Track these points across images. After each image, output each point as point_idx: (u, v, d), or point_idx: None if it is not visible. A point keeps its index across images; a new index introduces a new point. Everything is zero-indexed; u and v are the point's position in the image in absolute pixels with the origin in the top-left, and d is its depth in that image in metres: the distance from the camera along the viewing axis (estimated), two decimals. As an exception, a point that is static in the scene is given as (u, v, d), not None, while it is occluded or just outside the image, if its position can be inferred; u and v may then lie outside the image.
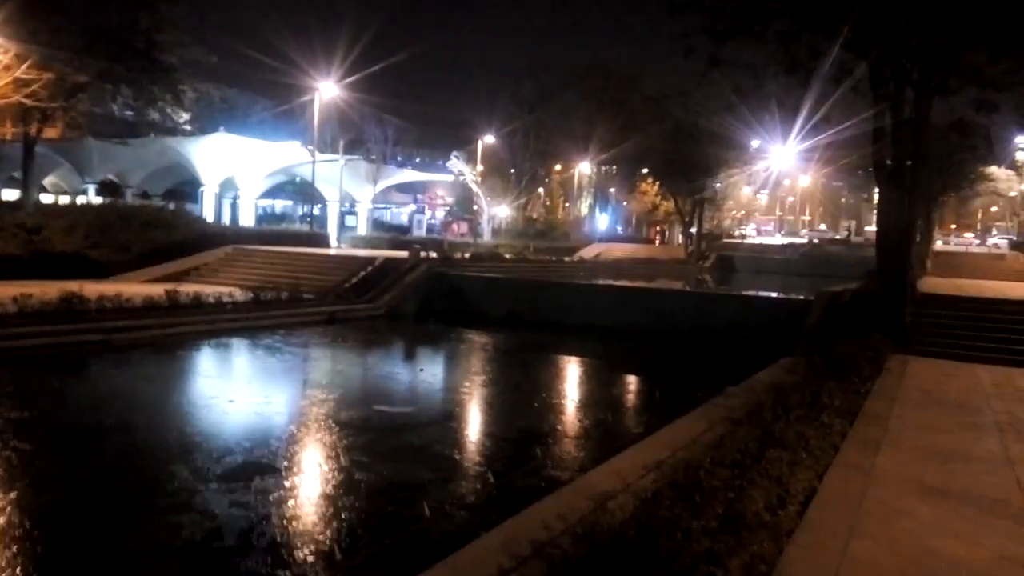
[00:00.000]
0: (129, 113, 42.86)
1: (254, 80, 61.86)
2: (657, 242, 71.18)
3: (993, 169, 49.87)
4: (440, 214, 69.49)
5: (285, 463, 8.86)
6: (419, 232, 59.88)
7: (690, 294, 30.23)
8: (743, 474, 5.96)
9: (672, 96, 48.54)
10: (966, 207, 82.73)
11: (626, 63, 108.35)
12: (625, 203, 77.22)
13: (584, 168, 68.13)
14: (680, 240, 64.25)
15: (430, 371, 17.07)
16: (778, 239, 79.41)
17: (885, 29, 15.08)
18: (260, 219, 51.70)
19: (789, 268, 52.26)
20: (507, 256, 39.14)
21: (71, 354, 14.69)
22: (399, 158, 66.03)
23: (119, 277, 24.38)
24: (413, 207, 70.30)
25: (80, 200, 44.87)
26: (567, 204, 73.61)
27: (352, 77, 42.88)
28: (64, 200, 48.47)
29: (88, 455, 9.06)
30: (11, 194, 39.52)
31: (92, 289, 17.50)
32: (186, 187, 51.94)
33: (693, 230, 57.69)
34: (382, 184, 56.48)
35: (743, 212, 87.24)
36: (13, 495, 7.48)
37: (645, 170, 63.94)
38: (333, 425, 10.64)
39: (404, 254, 27.92)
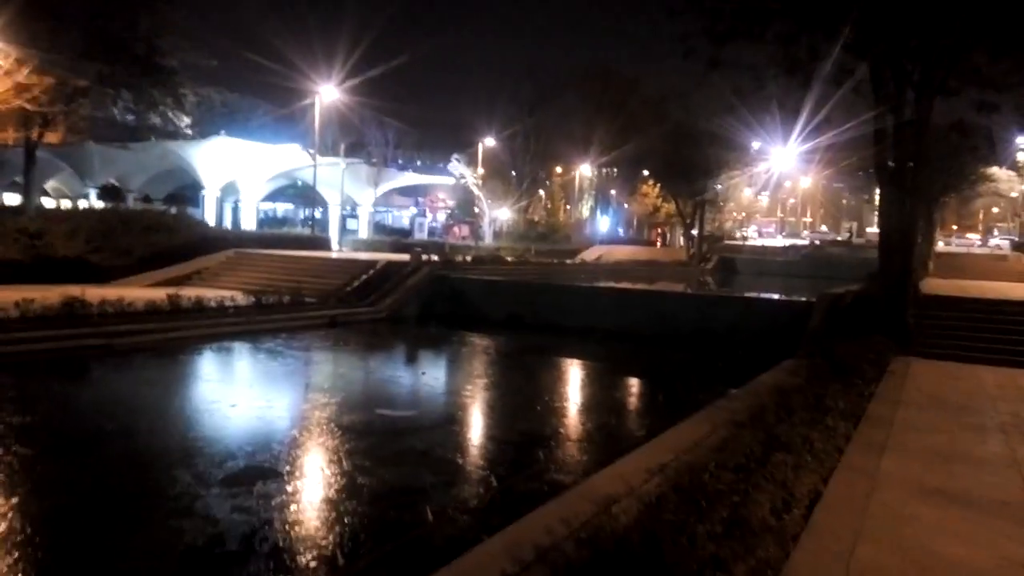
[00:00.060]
0: (130, 117, 42.91)
1: (255, 84, 62.11)
2: (658, 244, 71.21)
3: (994, 170, 49.80)
4: (441, 217, 69.56)
5: (287, 467, 8.84)
6: (420, 235, 59.89)
7: (692, 296, 30.20)
8: (748, 478, 5.94)
9: (672, 98, 48.76)
10: (967, 208, 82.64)
11: (626, 65, 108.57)
12: (626, 205, 77.25)
13: (585, 170, 68.20)
14: (681, 242, 64.27)
15: (432, 374, 17.04)
16: (779, 241, 79.36)
17: (885, 30, 15.06)
18: (261, 223, 51.75)
19: (790, 270, 52.23)
20: (508, 259, 39.13)
21: (73, 359, 14.68)
22: (400, 161, 66.01)
23: (121, 281, 24.37)
24: (414, 210, 70.39)
25: (81, 204, 44.95)
26: (568, 207, 73.68)
27: (353, 80, 42.99)
28: (66, 205, 48.55)
29: (90, 460, 9.03)
30: (13, 199, 39.58)
31: (94, 293, 17.49)
32: (187, 191, 52.02)
33: (694, 232, 57.70)
34: (383, 187, 56.54)
35: (744, 214, 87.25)
36: (15, 500, 7.46)
37: (646, 172, 64.04)
38: (335, 429, 10.61)
39: (405, 257, 27.91)
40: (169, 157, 45.91)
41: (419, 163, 71.57)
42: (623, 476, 6.83)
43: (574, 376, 18.03)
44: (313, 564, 6.29)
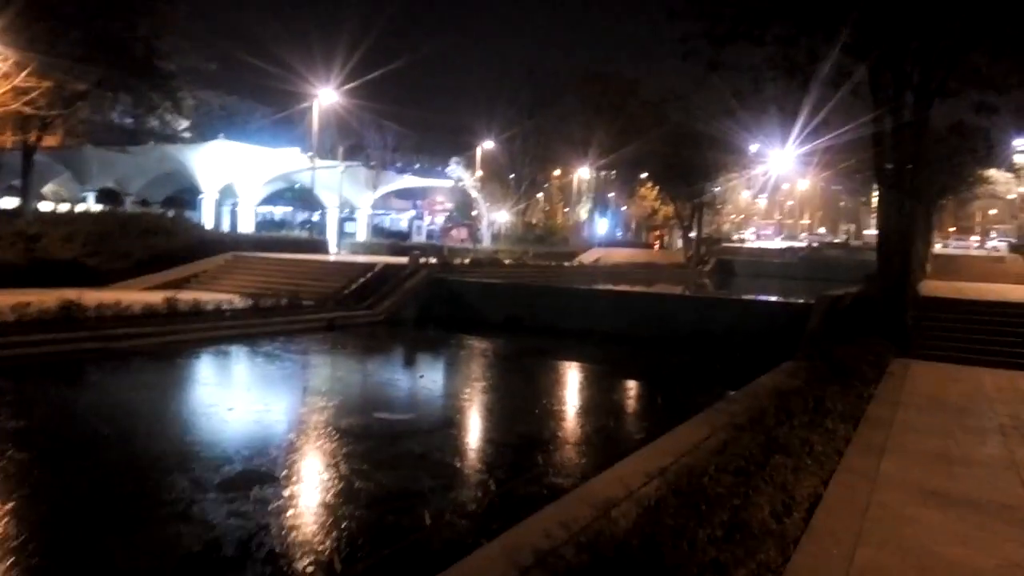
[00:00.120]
0: (128, 121, 42.88)
1: (254, 87, 61.78)
2: (656, 247, 71.16)
3: (992, 172, 49.87)
4: (440, 220, 69.53)
5: (284, 472, 8.79)
6: (419, 238, 59.89)
7: (690, 298, 30.21)
8: (747, 481, 5.90)
9: (671, 100, 48.74)
10: (965, 210, 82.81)
11: (625, 66, 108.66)
12: (624, 208, 77.26)
13: (583, 173, 68.20)
14: (679, 245, 64.26)
15: (430, 377, 17.00)
16: (777, 243, 79.44)
17: (885, 32, 15.06)
18: (259, 226, 51.70)
19: (788, 272, 52.27)
20: (506, 261, 39.13)
21: (70, 362, 14.62)
22: (398, 164, 66.00)
23: (118, 285, 24.31)
24: (413, 213, 70.38)
25: (79, 208, 44.83)
26: (566, 209, 73.68)
27: (352, 83, 43.00)
28: (63, 208, 48.44)
29: (86, 464, 8.97)
30: (10, 202, 39.47)
31: (91, 297, 17.44)
32: (185, 194, 51.90)
33: (692, 234, 57.71)
34: (381, 190, 56.51)
35: (742, 216, 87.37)
36: (11, 505, 7.41)
37: (644, 175, 64.01)
38: (333, 433, 10.57)
39: (404, 260, 27.87)
40: (167, 160, 45.85)
41: (418, 166, 71.60)
42: (622, 479, 6.80)
43: (572, 379, 17.99)
44: (310, 569, 6.25)
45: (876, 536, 5.65)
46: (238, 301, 20.43)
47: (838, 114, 20.28)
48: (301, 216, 58.86)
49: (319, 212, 53.28)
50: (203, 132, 51.45)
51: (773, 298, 29.34)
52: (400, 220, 70.91)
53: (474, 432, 11.91)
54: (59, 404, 12.29)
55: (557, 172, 69.72)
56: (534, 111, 61.18)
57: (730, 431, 8.18)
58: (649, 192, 67.02)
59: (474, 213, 62.04)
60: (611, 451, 9.46)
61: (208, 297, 20.30)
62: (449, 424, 11.90)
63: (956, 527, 6.04)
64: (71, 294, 16.99)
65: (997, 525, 6.14)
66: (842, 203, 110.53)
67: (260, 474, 8.57)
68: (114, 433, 10.35)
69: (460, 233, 63.15)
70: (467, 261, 34.41)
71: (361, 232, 54.56)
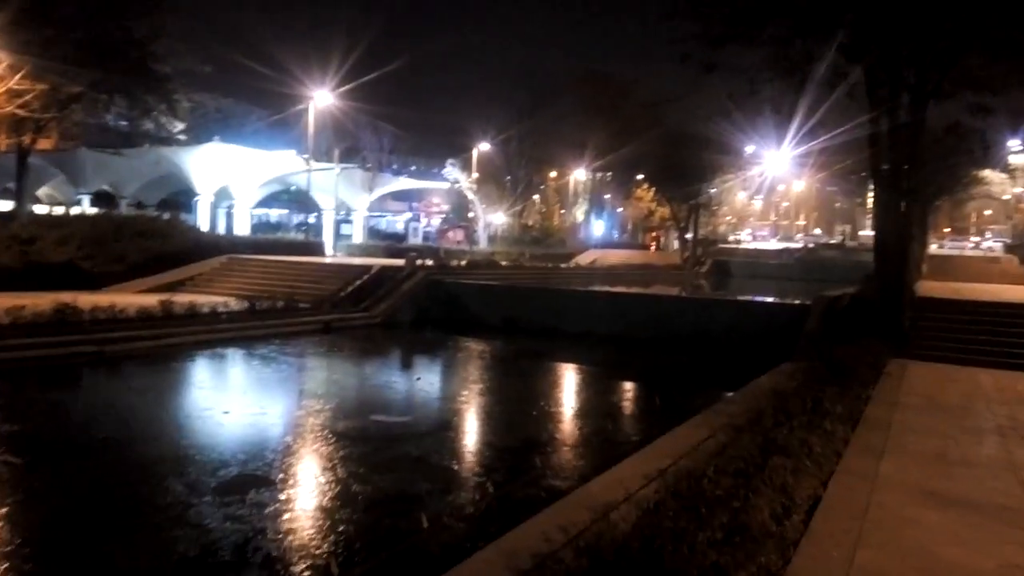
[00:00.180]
0: (123, 123, 42.81)
1: (249, 89, 61.70)
2: (653, 248, 71.20)
3: (987, 172, 50.04)
4: (436, 222, 69.45)
5: (281, 475, 8.74)
6: (415, 240, 59.82)
7: (687, 300, 30.20)
8: (747, 483, 5.87)
9: (667, 102, 48.81)
10: (959, 211, 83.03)
11: (621, 68, 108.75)
12: (620, 209, 77.30)
13: (579, 175, 68.23)
14: (676, 246, 64.30)
15: (427, 380, 16.95)
16: (773, 244, 79.58)
17: (881, 34, 15.08)
18: (255, 228, 51.61)
19: (784, 273, 52.36)
20: (503, 263, 39.10)
21: (64, 366, 14.55)
22: (395, 166, 66.02)
23: (113, 288, 24.22)
24: (409, 215, 70.28)
25: (74, 211, 44.70)
26: (563, 211, 73.69)
27: (347, 86, 42.89)
28: (58, 211, 48.30)
29: (81, 468, 8.92)
30: (5, 205, 39.35)
31: (86, 300, 17.36)
32: (181, 197, 51.81)
33: (689, 236, 57.76)
34: (378, 192, 56.44)
35: (738, 218, 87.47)
36: (4, 510, 7.35)
37: (640, 176, 64.07)
38: (329, 436, 10.52)
39: (400, 262, 27.83)
40: (162, 163, 45.73)
41: (414, 168, 71.61)
42: (621, 482, 6.77)
43: (570, 380, 17.96)
44: (307, 574, 6.21)
45: (876, 538, 5.63)
46: (234, 304, 20.35)
47: (833, 115, 20.31)
48: (297, 218, 58.77)
49: (315, 214, 53.19)
50: (198, 134, 51.31)
51: (770, 299, 29.40)
52: (396, 222, 70.85)
53: (471, 435, 11.87)
54: (54, 408, 12.21)
55: (553, 174, 69.72)
56: (530, 112, 61.18)
57: (729, 433, 8.16)
58: (645, 193, 67.07)
59: (470, 215, 62.00)
60: (609, 453, 9.43)
61: (204, 300, 20.22)
62: (446, 427, 11.85)
63: (955, 528, 6.02)
64: (66, 297, 16.91)
65: (996, 526, 6.13)
66: (838, 204, 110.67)
67: (256, 478, 8.53)
68: (109, 437, 10.29)
69: (456, 235, 63.09)
70: (464, 263, 34.36)
71: (357, 234, 54.47)
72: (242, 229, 47.64)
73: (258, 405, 13.09)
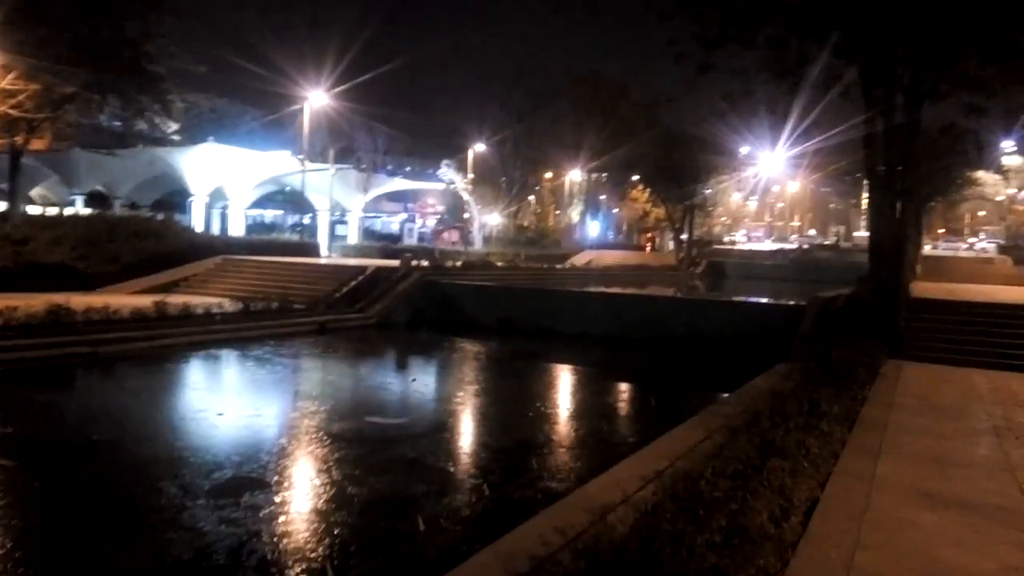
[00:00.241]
0: (117, 124, 42.53)
1: (243, 89, 61.53)
2: (648, 249, 71.26)
3: (981, 174, 50.23)
4: (431, 223, 69.39)
5: (276, 478, 8.69)
6: (410, 241, 59.75)
7: (682, 300, 30.23)
8: (745, 484, 5.85)
9: (662, 103, 48.86)
10: (953, 212, 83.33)
11: (616, 68, 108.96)
12: (616, 210, 77.36)
13: (575, 175, 68.25)
14: (671, 247, 64.38)
15: (422, 381, 16.90)
16: (768, 245, 79.76)
17: (876, 35, 15.10)
18: (250, 229, 51.42)
19: (779, 274, 52.48)
20: (498, 264, 39.07)
21: (57, 367, 14.45)
22: (390, 167, 65.82)
23: (107, 289, 24.10)
24: (404, 216, 70.22)
25: (68, 211, 44.49)
26: (558, 212, 73.69)
27: (343, 86, 42.81)
28: (51, 211, 48.06)
29: (74, 471, 8.85)
30: (-2, 206, 39.11)
31: (79, 301, 17.27)
32: (175, 197, 51.64)
33: (684, 237, 57.85)
34: (373, 193, 56.34)
35: (733, 218, 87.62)
36: (-5, 514, 7.29)
37: (635, 177, 64.14)
38: (324, 437, 10.47)
39: (395, 263, 27.76)
40: (157, 163, 45.55)
41: (409, 169, 71.48)
42: (618, 483, 6.74)
43: (565, 381, 17.94)
44: (302, 577, 6.16)
45: (874, 539, 5.61)
46: (228, 305, 20.27)
47: (828, 116, 20.33)
48: (292, 219, 58.63)
49: (310, 215, 53.07)
50: (193, 135, 51.19)
51: (765, 300, 29.40)
52: (391, 223, 70.76)
53: (467, 436, 11.83)
54: (47, 409, 12.12)
55: (549, 174, 69.70)
56: (525, 114, 61.17)
57: (725, 434, 8.15)
58: (640, 194, 67.14)
59: (466, 216, 61.95)
60: (605, 455, 9.41)
61: (198, 301, 20.13)
62: (442, 428, 11.81)
63: (953, 530, 6.01)
64: (59, 298, 16.81)
65: (994, 528, 6.12)
66: (832, 205, 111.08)
67: (251, 480, 8.47)
68: (103, 439, 10.22)
69: (452, 236, 63.03)
70: (459, 264, 34.33)
71: (352, 235, 54.36)
72: (237, 230, 47.47)
73: (253, 407, 13.03)
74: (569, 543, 5.10)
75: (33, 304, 16.14)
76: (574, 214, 72.59)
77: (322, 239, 47.50)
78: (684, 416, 10.19)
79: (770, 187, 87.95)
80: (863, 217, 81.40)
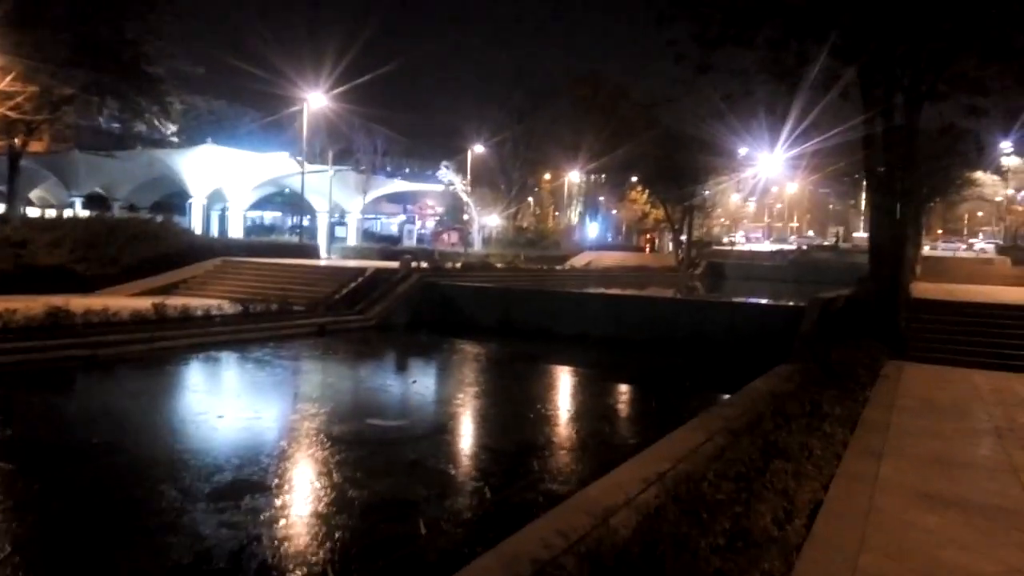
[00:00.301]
0: (116, 125, 42.61)
1: (242, 91, 61.55)
2: (647, 250, 71.25)
3: (979, 174, 50.29)
4: (430, 224, 69.38)
5: (276, 481, 8.65)
6: (409, 242, 59.76)
7: (682, 302, 30.19)
8: (748, 487, 5.83)
9: (661, 104, 48.87)
10: (952, 212, 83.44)
11: (615, 69, 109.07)
12: (615, 211, 77.37)
13: (574, 177, 68.26)
14: (670, 248, 64.39)
15: (423, 383, 16.88)
16: (767, 246, 79.77)
17: (875, 35, 15.10)
18: (249, 231, 51.42)
19: (778, 275, 52.50)
20: (498, 265, 39.06)
21: (57, 370, 14.41)
22: (389, 168, 65.83)
23: (106, 291, 24.07)
24: (403, 217, 70.19)
25: (67, 213, 44.48)
26: (557, 213, 73.70)
27: (341, 88, 42.79)
28: (50, 214, 48.03)
29: (73, 474, 8.81)
30: (-4, 208, 39.05)
31: (78, 303, 17.23)
32: (174, 199, 51.64)
33: (683, 238, 57.84)
34: (372, 194, 56.32)
35: (732, 219, 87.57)
36: (-5, 518, 7.25)
37: (635, 178, 64.15)
38: (325, 440, 10.43)
39: (394, 264, 27.74)
40: (155, 165, 45.53)
41: (408, 170, 71.46)
42: (620, 486, 6.71)
43: (566, 383, 17.91)
44: (303, 581, 6.13)
45: (878, 542, 5.59)
46: (228, 307, 20.23)
47: (827, 117, 20.34)
48: (291, 221, 58.58)
49: (309, 217, 53.04)
50: (191, 136, 51.15)
51: (764, 301, 29.40)
52: (391, 224, 70.76)
53: (468, 438, 11.80)
54: (47, 412, 12.08)
55: (548, 176, 69.75)
56: (525, 115, 61.21)
57: (727, 436, 8.12)
58: (639, 195, 67.13)
59: (465, 217, 61.94)
60: (606, 457, 9.38)
61: (197, 303, 20.10)
62: (443, 430, 11.78)
63: (957, 532, 5.99)
64: (58, 300, 16.77)
65: (997, 529, 6.10)
66: (831, 206, 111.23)
67: (251, 483, 8.44)
68: (102, 442, 10.18)
69: (451, 237, 63.02)
70: (458, 265, 34.32)
71: (352, 237, 54.36)
72: (236, 232, 47.48)
73: (252, 409, 13.00)
74: (572, 546, 5.07)
75: (32, 306, 16.09)
76: (573, 215, 72.63)
77: (321, 241, 47.50)
78: (685, 418, 10.17)
79: (769, 188, 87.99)
80: (862, 218, 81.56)
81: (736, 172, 59.37)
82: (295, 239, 44.17)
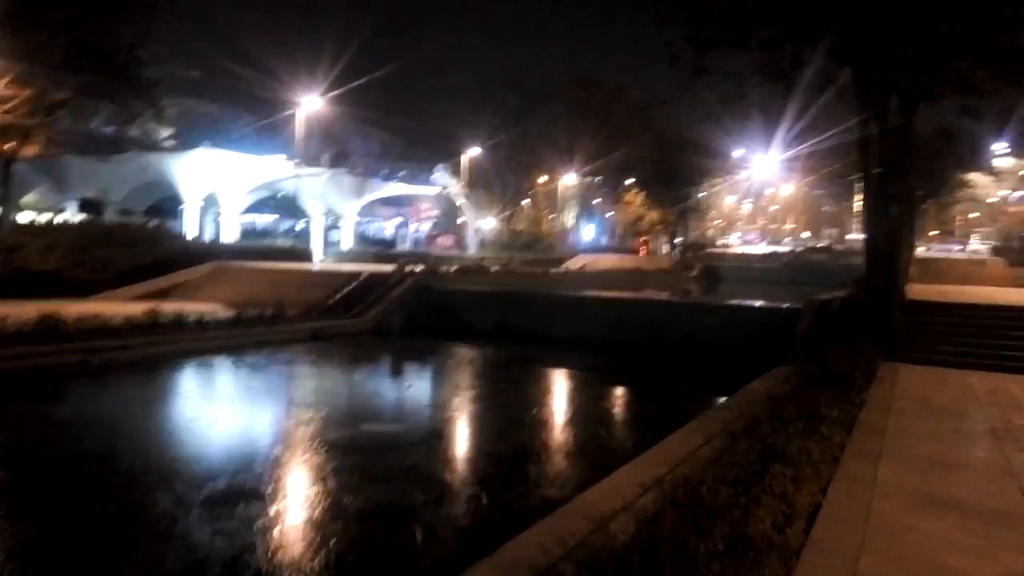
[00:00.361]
0: (110, 130, 42.39)
1: (237, 94, 61.28)
2: (642, 252, 71.28)
3: (973, 175, 50.50)
4: (426, 227, 69.33)
5: (271, 488, 8.57)
6: (404, 246, 59.73)
7: (678, 304, 30.14)
8: (746, 491, 5.79)
9: (657, 106, 49.03)
10: (946, 213, 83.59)
11: (610, 70, 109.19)
12: (610, 214, 77.43)
13: (569, 179, 68.30)
14: (665, 250, 64.45)
15: (418, 387, 16.81)
16: (762, 248, 79.89)
17: (871, 36, 15.13)
18: (244, 235, 51.28)
19: (773, 276, 52.43)
20: (493, 269, 39.04)
21: (48, 376, 14.29)
22: (384, 171, 65.70)
23: (99, 296, 23.94)
24: (398, 221, 70.15)
25: (60, 218, 44.27)
26: (552, 216, 73.71)
27: (336, 91, 42.79)
28: (44, 218, 47.80)
29: (65, 482, 8.72)
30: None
31: (71, 309, 17.12)
32: (168, 203, 51.38)
33: (678, 240, 57.91)
34: (367, 198, 56.28)
35: (727, 222, 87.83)
36: (-15, 527, 7.17)
37: (630, 180, 64.24)
38: (320, 446, 10.35)
39: (389, 268, 27.68)
40: (149, 169, 45.39)
41: (403, 173, 71.32)
42: (618, 491, 6.67)
43: (562, 387, 17.86)
44: (298, 589, 6.06)
45: (877, 545, 5.55)
46: (222, 312, 20.14)
47: (822, 119, 20.41)
48: (285, 225, 58.48)
49: (303, 220, 52.96)
50: (186, 140, 50.95)
51: (760, 303, 29.41)
52: (386, 228, 70.70)
53: (464, 443, 11.74)
54: (38, 419, 11.97)
55: (543, 179, 69.75)
56: (519, 118, 61.26)
57: (725, 439, 8.08)
58: (635, 198, 67.19)
59: (460, 220, 61.93)
60: (604, 461, 9.31)
61: (191, 308, 20.00)
62: (439, 435, 11.72)
63: (956, 535, 5.96)
64: (51, 306, 16.68)
65: (997, 532, 6.07)
66: (825, 207, 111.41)
67: (245, 490, 8.35)
68: (94, 449, 10.09)
69: (446, 240, 62.97)
70: (454, 269, 34.26)
71: (346, 240, 54.28)
72: (230, 236, 47.32)
73: (246, 415, 12.92)
74: (570, 553, 5.02)
75: (24, 312, 15.98)
76: (568, 218, 72.62)
77: (316, 245, 47.43)
78: (682, 421, 10.11)
79: (763, 190, 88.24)
80: (856, 220, 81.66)
81: (731, 174, 59.55)
82: (289, 243, 44.10)
